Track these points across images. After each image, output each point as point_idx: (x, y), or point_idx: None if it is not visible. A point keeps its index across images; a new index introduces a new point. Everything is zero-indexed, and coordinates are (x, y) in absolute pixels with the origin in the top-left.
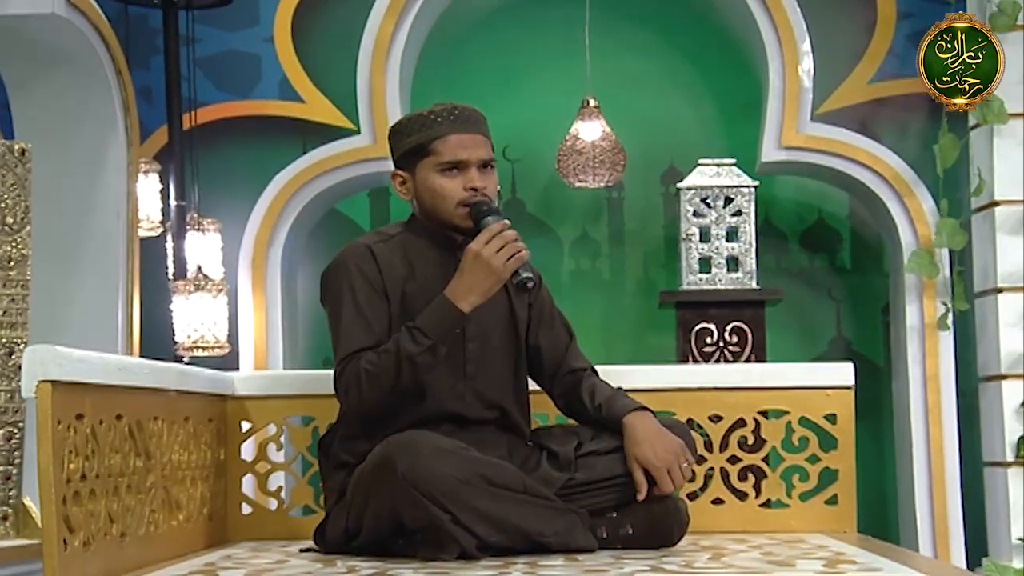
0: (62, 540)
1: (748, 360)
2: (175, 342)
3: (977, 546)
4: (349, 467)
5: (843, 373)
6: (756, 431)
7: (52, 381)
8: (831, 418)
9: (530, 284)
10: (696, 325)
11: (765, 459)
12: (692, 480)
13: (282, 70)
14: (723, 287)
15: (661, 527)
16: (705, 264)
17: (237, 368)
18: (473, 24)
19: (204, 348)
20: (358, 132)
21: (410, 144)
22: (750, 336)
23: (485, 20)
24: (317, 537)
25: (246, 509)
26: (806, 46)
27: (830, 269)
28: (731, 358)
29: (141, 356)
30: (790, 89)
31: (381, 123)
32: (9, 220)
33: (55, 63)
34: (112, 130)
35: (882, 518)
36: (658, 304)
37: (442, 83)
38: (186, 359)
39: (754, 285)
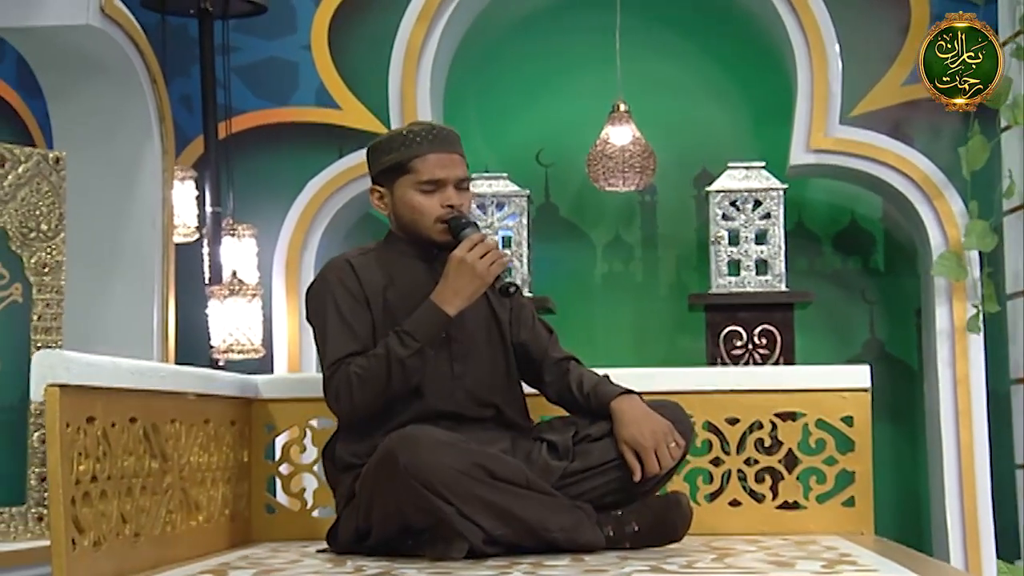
0: (70, 540)
1: (777, 363)
2: (211, 346)
3: (1009, 548)
4: (355, 468)
5: (859, 376)
6: (773, 433)
7: (61, 385)
8: (848, 420)
9: (512, 289)
10: (725, 328)
11: (782, 461)
12: (683, 459)
13: (319, 77)
14: (752, 290)
15: (665, 523)
16: (734, 267)
17: (272, 371)
18: (506, 30)
19: (239, 352)
20: None
21: (389, 161)
22: (779, 339)
23: (518, 26)
24: (330, 538)
25: (270, 510)
26: (834, 49)
27: (863, 271)
28: (760, 361)
29: (177, 359)
30: (818, 92)
31: None
32: (44, 227)
33: (91, 73)
34: (147, 138)
35: (916, 520)
36: (687, 307)
37: (476, 88)
38: (221, 362)
39: (783, 288)
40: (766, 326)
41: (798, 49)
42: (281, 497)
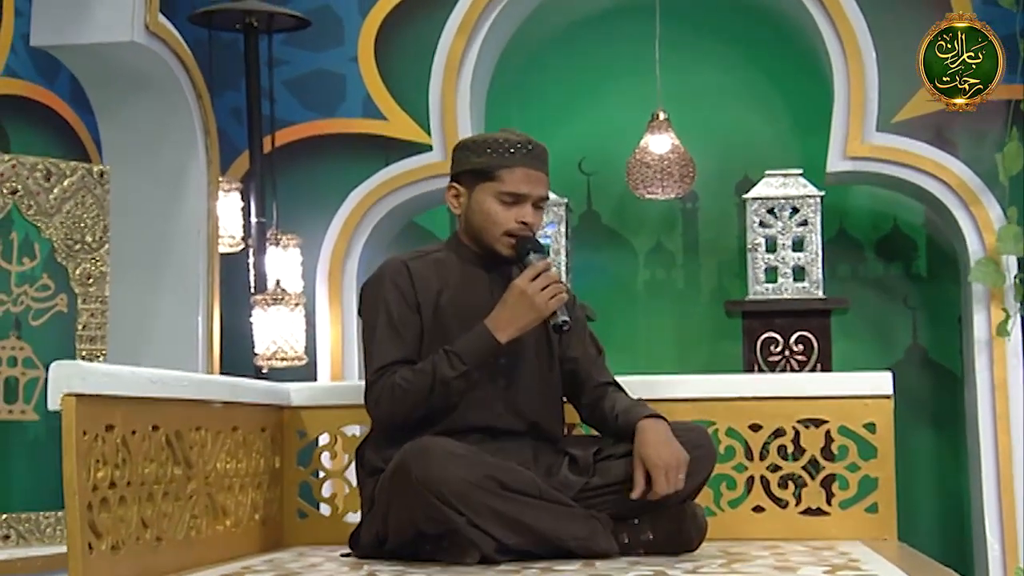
0: (86, 544)
1: (813, 369)
2: (255, 354)
3: None
4: (380, 473)
5: (881, 383)
6: (796, 440)
7: (76, 395)
8: (870, 427)
9: (566, 328)
10: (762, 335)
11: (805, 467)
12: (702, 486)
13: (365, 88)
14: (789, 296)
15: (680, 533)
16: (772, 274)
17: (315, 378)
18: (548, 40)
19: (282, 359)
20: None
21: (477, 164)
22: (816, 345)
23: (560, 36)
24: (352, 542)
25: (302, 515)
26: (871, 57)
27: (906, 277)
28: (796, 367)
29: (222, 367)
30: (855, 100)
31: (452, 140)
32: (88, 239)
33: (137, 88)
34: (192, 151)
35: (959, 525)
36: (724, 313)
37: (518, 98)
38: (265, 370)
39: (820, 295)
40: (802, 332)
41: (835, 57)
42: (313, 502)
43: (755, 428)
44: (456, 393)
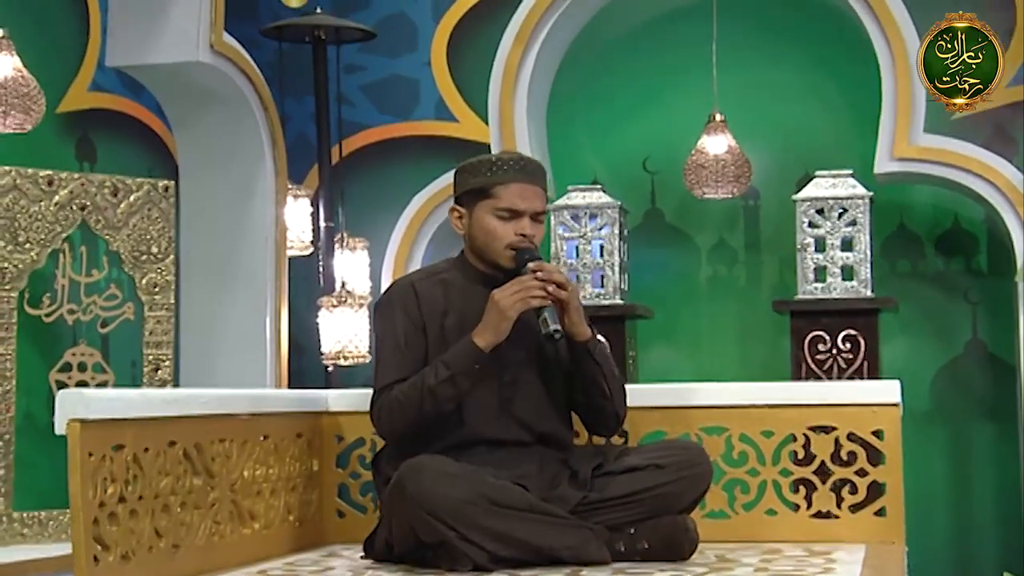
0: (92, 556)
1: (860, 367)
2: (321, 353)
3: None
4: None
5: (889, 391)
6: (806, 446)
7: (81, 420)
8: (879, 434)
9: (558, 336)
10: (809, 333)
11: (815, 472)
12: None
13: (438, 92)
14: (836, 296)
15: (673, 544)
16: (821, 273)
17: None
18: (609, 45)
19: (347, 358)
20: None
21: (474, 184)
22: (863, 344)
23: (621, 40)
24: (367, 546)
25: (340, 515)
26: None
27: (967, 272)
28: (844, 366)
29: (290, 366)
30: (902, 101)
31: (509, 144)
32: (154, 250)
33: (207, 103)
34: (260, 161)
35: (1016, 517)
36: (772, 312)
37: (582, 101)
38: (330, 368)
39: (868, 294)
40: (850, 331)
41: (882, 59)
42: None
43: (767, 434)
44: (445, 400)
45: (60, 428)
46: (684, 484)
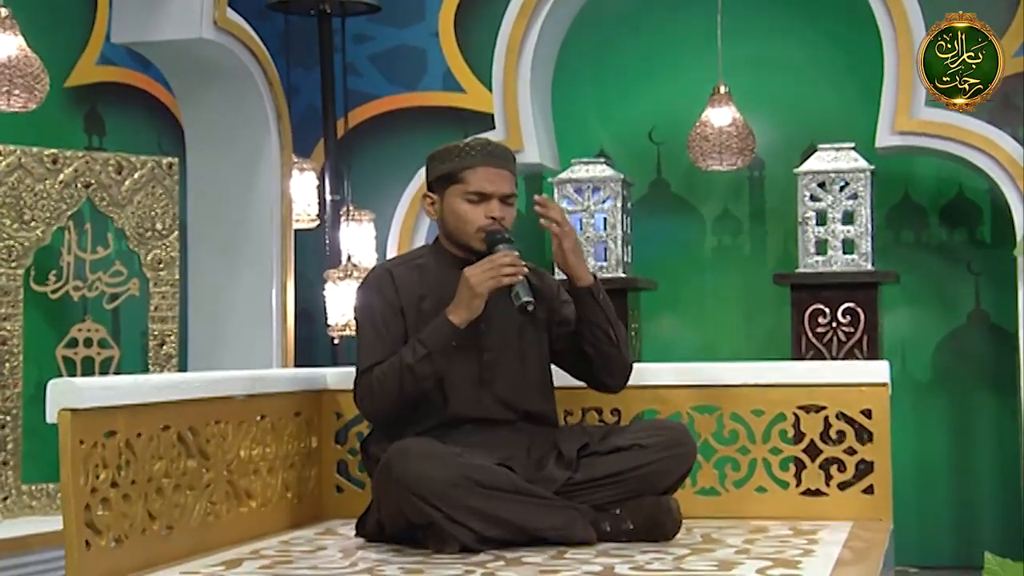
0: (84, 541)
1: (860, 340)
2: (328, 325)
3: None
4: None
5: (877, 371)
6: (796, 425)
7: (71, 409)
8: (866, 413)
9: (530, 308)
10: (809, 306)
11: (805, 451)
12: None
13: (446, 62)
14: (838, 269)
15: (656, 524)
16: (823, 246)
17: None
18: (616, 17)
19: (352, 330)
20: None
21: (443, 170)
22: (863, 317)
23: (628, 12)
24: (359, 526)
25: (339, 490)
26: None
27: (970, 243)
28: (843, 339)
29: (296, 339)
30: (903, 75)
31: (513, 119)
32: (159, 226)
33: (212, 79)
34: (265, 136)
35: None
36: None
37: (588, 73)
38: (336, 340)
39: (869, 267)
40: (849, 305)
41: (884, 32)
42: (350, 478)
43: (757, 413)
44: (422, 378)
45: (51, 417)
46: (668, 463)
